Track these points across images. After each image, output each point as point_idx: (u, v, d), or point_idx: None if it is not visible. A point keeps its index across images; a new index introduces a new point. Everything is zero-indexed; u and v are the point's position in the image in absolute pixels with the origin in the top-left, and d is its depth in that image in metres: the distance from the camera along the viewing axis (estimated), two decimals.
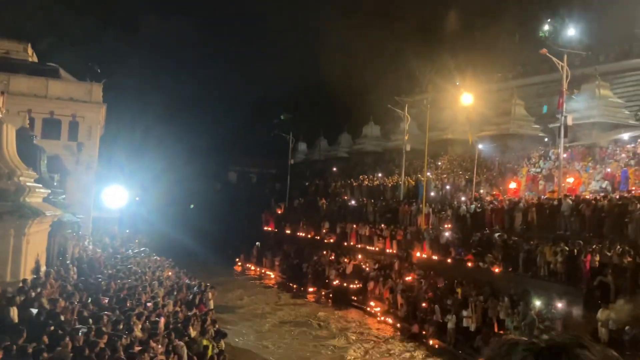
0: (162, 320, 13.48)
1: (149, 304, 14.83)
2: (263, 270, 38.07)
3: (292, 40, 74.48)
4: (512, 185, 28.29)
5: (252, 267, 39.36)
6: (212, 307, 19.10)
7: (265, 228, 43.93)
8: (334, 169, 51.32)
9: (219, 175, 65.98)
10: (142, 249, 31.59)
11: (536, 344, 1.44)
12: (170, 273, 23.77)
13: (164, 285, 18.94)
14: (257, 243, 40.91)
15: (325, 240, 35.01)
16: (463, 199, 28.92)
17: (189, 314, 15.25)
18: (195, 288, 19.93)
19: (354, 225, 32.92)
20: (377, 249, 30.11)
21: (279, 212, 45.09)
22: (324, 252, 33.24)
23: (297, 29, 68.35)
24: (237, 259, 40.95)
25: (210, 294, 19.55)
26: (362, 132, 52.26)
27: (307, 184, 48.42)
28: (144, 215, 45.55)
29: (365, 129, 51.78)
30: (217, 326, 15.53)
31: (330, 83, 54.10)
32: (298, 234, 38.66)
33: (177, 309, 15.62)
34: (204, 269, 32.51)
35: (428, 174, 33.56)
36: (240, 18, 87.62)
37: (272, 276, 36.46)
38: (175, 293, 17.94)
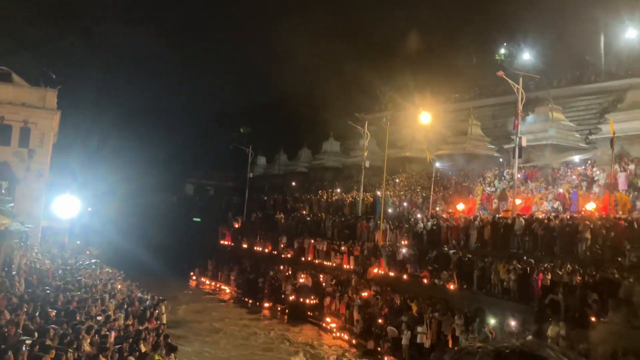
0: (113, 334, 13.03)
1: (99, 317, 14.33)
2: (218, 285, 37.45)
3: (253, 53, 74.51)
4: (460, 206, 28.79)
5: (207, 282, 38.67)
6: (164, 321, 18.63)
7: (222, 242, 43.33)
8: (293, 183, 51.27)
9: (176, 188, 64.91)
10: (93, 260, 30.63)
11: (502, 347, 1.43)
12: (121, 286, 23.09)
13: (115, 298, 18.37)
14: (211, 257, 40.28)
15: (283, 255, 34.76)
16: (420, 216, 29.27)
17: (140, 328, 14.80)
18: (147, 301, 19.41)
19: (312, 241, 32.82)
20: (334, 264, 30.07)
21: (236, 226, 44.60)
22: (281, 267, 32.99)
23: (258, 43, 68.55)
24: (192, 273, 40.19)
25: (162, 308, 19.08)
26: (322, 148, 52.43)
27: (265, 198, 48.12)
28: (96, 226, 44.32)
29: (325, 144, 51.99)
30: (168, 341, 15.11)
31: (291, 98, 54.36)
32: (255, 248, 38.27)
33: (129, 322, 15.14)
34: (157, 282, 31.76)
35: (386, 191, 33.90)
36: (202, 29, 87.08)
37: (228, 291, 35.90)
38: (126, 306, 17.41)
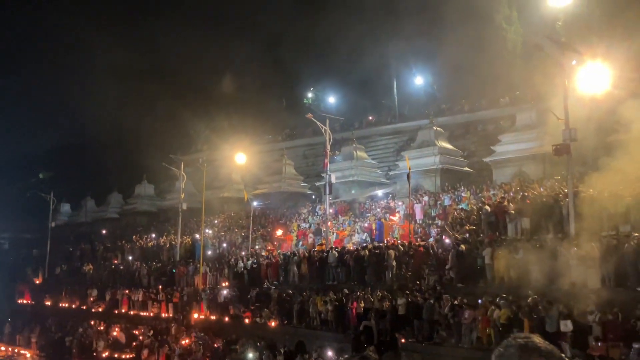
0: None
1: None
2: (16, 350, 33.02)
3: (55, 93, 68.72)
4: (279, 232, 29.83)
5: (2, 348, 33.88)
6: None
7: (20, 301, 38.55)
8: (103, 231, 47.76)
9: None
10: None
11: None
12: None
13: None
14: (8, 319, 35.53)
15: (93, 310, 32.02)
16: (243, 254, 29.24)
17: None
18: None
19: (126, 291, 30.82)
20: (151, 314, 28.50)
21: (37, 281, 40.11)
22: (92, 323, 30.27)
23: (60, 82, 63.51)
24: None
25: None
26: (134, 191, 49.94)
27: (71, 249, 44.04)
28: None
29: (138, 188, 49.63)
30: None
31: (99, 140, 51.14)
32: (60, 304, 34.69)
33: None
34: None
35: (207, 231, 33.35)
36: None
37: (28, 355, 31.80)
38: None
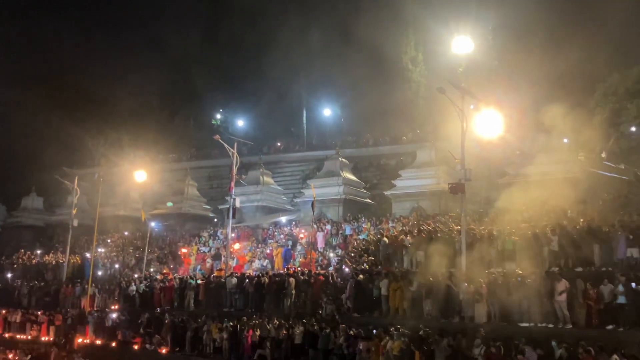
0: None
1: None
2: None
3: None
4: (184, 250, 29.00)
5: None
6: None
7: None
8: None
9: None
10: None
11: None
12: None
13: None
14: None
15: None
16: (136, 276, 27.92)
17: None
18: None
19: (3, 311, 28.37)
20: (29, 337, 26.37)
21: None
22: None
23: None
24: None
25: None
26: (20, 204, 46.41)
27: None
28: None
29: (26, 200, 46.08)
30: None
31: None
32: None
33: None
34: None
35: (99, 250, 31.58)
36: None
37: None
38: None
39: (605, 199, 20.99)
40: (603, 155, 24.61)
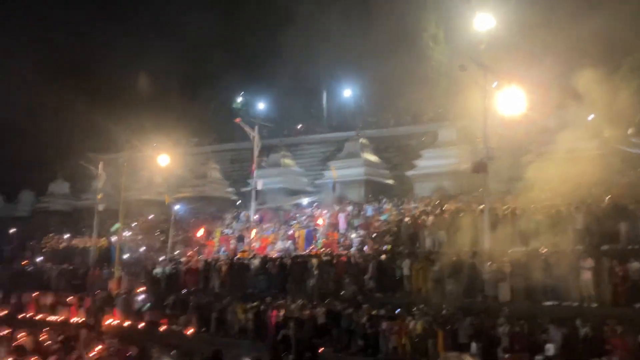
0: None
1: None
2: None
3: None
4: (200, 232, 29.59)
5: None
6: None
7: None
8: (12, 230, 44.90)
9: None
10: None
11: None
12: None
13: None
14: None
15: None
16: (162, 258, 28.37)
17: None
18: None
19: (35, 294, 29.14)
20: (60, 319, 27.10)
21: None
22: None
23: None
24: None
25: None
26: (48, 190, 47.34)
27: None
28: None
29: (52, 186, 47.07)
30: None
31: (7, 134, 47.96)
32: None
33: None
34: None
35: (125, 233, 32.12)
36: None
37: None
38: None
39: (631, 176, 20.59)
40: (630, 132, 24.07)
